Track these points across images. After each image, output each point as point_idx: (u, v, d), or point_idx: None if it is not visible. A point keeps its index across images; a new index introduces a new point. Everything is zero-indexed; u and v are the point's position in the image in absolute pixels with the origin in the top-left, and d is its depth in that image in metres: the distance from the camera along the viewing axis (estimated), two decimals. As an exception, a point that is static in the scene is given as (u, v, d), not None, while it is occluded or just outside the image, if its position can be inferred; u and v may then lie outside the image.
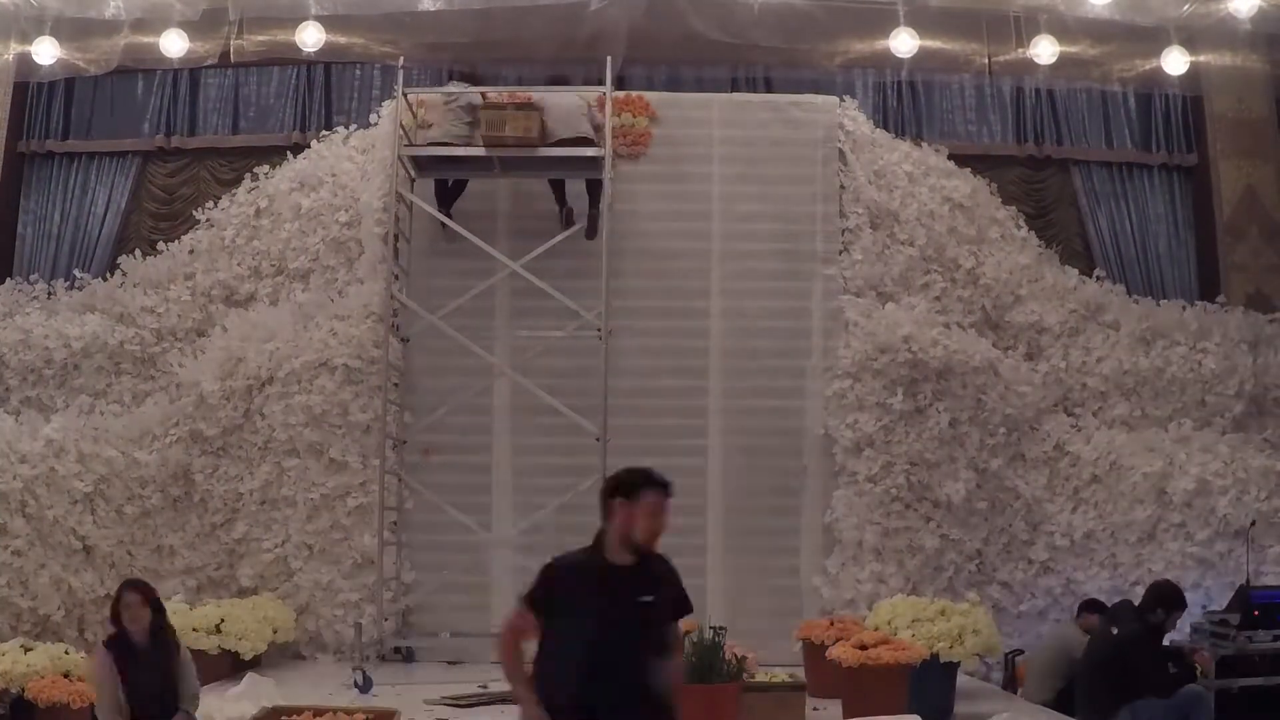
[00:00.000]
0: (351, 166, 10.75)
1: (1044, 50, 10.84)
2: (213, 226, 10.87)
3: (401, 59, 10.34)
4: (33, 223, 11.41)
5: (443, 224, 10.19)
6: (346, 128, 11.04)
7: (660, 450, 10.02)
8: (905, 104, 11.57)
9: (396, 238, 10.07)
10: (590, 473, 9.51)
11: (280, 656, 9.48)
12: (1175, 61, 10.91)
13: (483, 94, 10.11)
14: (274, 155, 11.10)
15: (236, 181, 11.06)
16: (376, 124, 10.84)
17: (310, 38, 10.68)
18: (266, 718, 6.64)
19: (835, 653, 7.34)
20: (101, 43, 10.83)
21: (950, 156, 11.06)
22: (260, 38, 10.89)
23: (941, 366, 9.92)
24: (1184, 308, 11.01)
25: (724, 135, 10.68)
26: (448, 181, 10.32)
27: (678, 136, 10.68)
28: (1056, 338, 10.76)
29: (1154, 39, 10.93)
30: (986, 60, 11.10)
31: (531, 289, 9.86)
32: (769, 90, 11.39)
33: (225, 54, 10.93)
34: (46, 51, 10.73)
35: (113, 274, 10.91)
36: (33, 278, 10.99)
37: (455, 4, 10.52)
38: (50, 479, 9.03)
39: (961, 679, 7.99)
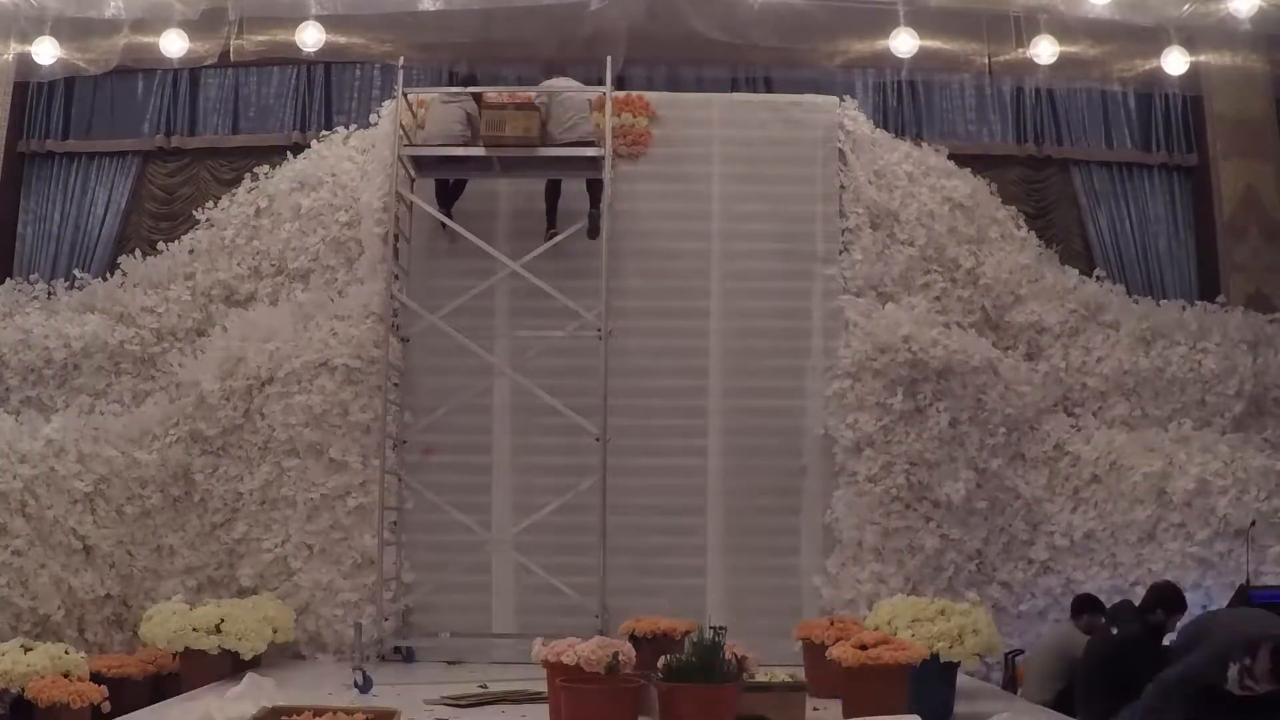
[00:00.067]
0: (351, 166, 10.75)
1: (1044, 50, 10.85)
2: (213, 226, 10.87)
3: (401, 59, 10.34)
4: (33, 223, 11.41)
5: (443, 224, 10.20)
6: (346, 128, 11.03)
7: (660, 450, 10.12)
8: (905, 104, 11.57)
9: (396, 238, 10.07)
10: (590, 473, 9.54)
11: (280, 656, 9.47)
12: (1175, 61, 10.92)
13: (476, 95, 10.10)
14: (274, 155, 11.09)
15: (236, 181, 11.06)
16: (376, 124, 10.84)
17: (310, 38, 10.69)
18: (266, 718, 6.62)
19: (835, 653, 7.32)
20: (101, 43, 10.84)
21: (950, 156, 11.06)
22: (260, 38, 10.90)
23: (941, 366, 9.93)
24: (1184, 308, 11.00)
25: (724, 135, 10.68)
26: (448, 181, 10.32)
27: (678, 136, 10.68)
28: (1056, 338, 10.76)
29: (1154, 39, 10.94)
30: (986, 60, 11.11)
31: (531, 289, 9.86)
32: (769, 90, 11.39)
33: (225, 54, 10.94)
34: (46, 51, 10.74)
35: (113, 274, 10.90)
36: (33, 278, 10.99)
37: (455, 4, 10.53)
38: (50, 479, 9.02)
39: (961, 679, 7.97)
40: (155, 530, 9.76)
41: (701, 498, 10.13)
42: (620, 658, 6.62)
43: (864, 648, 7.21)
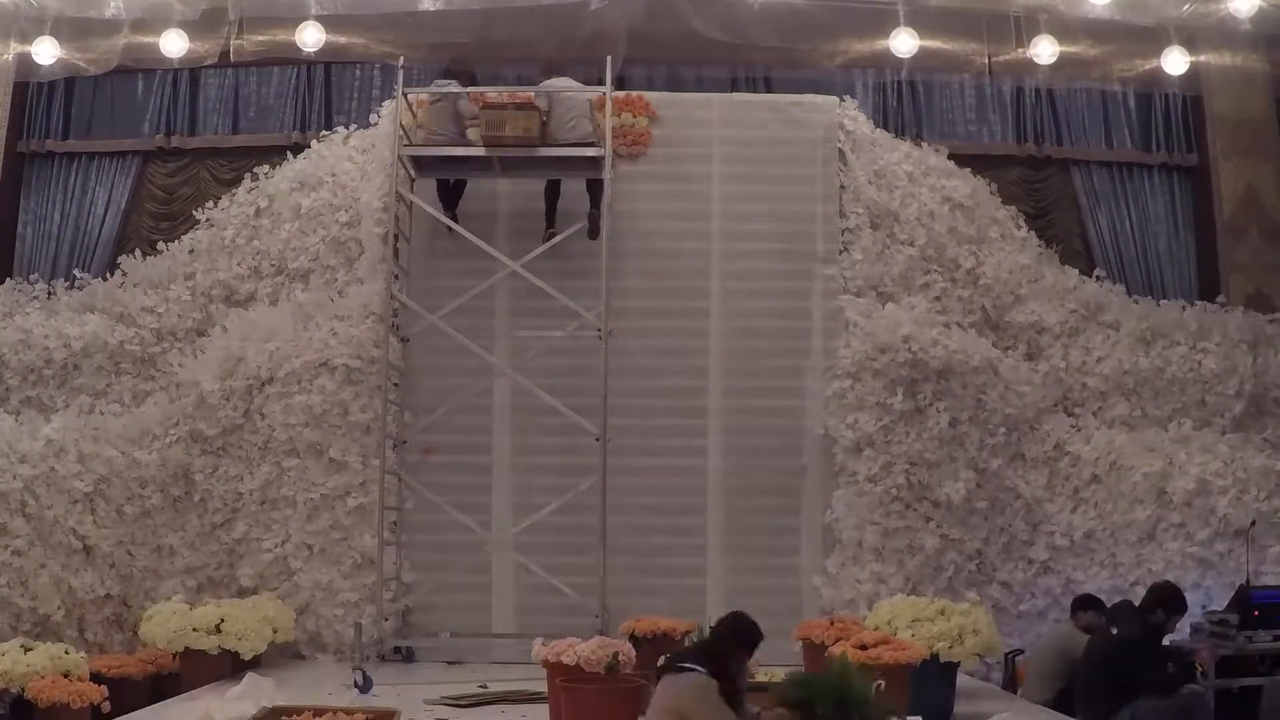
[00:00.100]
0: (351, 166, 10.75)
1: (1044, 50, 10.85)
2: (213, 226, 10.87)
3: (401, 59, 10.34)
4: (33, 223, 11.42)
5: (442, 223, 10.19)
6: (346, 128, 11.04)
7: (660, 450, 10.12)
8: (905, 104, 11.58)
9: (396, 238, 10.07)
10: (590, 473, 9.54)
11: (280, 656, 9.48)
12: (1175, 61, 10.92)
13: (469, 93, 10.10)
14: (274, 155, 11.10)
15: (236, 181, 11.07)
16: (376, 124, 10.84)
17: (310, 38, 10.69)
18: (266, 718, 6.63)
19: (835, 653, 7.33)
20: (101, 43, 10.84)
21: (950, 156, 11.06)
22: (260, 38, 10.90)
23: (941, 366, 9.92)
24: (1184, 308, 11.01)
25: (724, 135, 10.68)
26: (449, 182, 10.32)
27: (678, 136, 10.68)
28: (1056, 338, 10.76)
29: (1154, 39, 10.95)
30: (986, 60, 11.11)
31: (531, 289, 9.86)
32: (769, 90, 11.40)
33: (225, 54, 10.95)
34: (46, 51, 10.74)
35: (113, 274, 10.91)
36: (33, 278, 10.99)
37: (455, 4, 10.54)
38: (50, 479, 9.02)
39: (961, 679, 7.98)
40: (155, 530, 9.76)
41: (701, 498, 10.14)
42: (620, 658, 6.63)
43: (864, 648, 7.22)
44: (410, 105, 10.31)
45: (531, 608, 9.87)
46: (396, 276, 10.10)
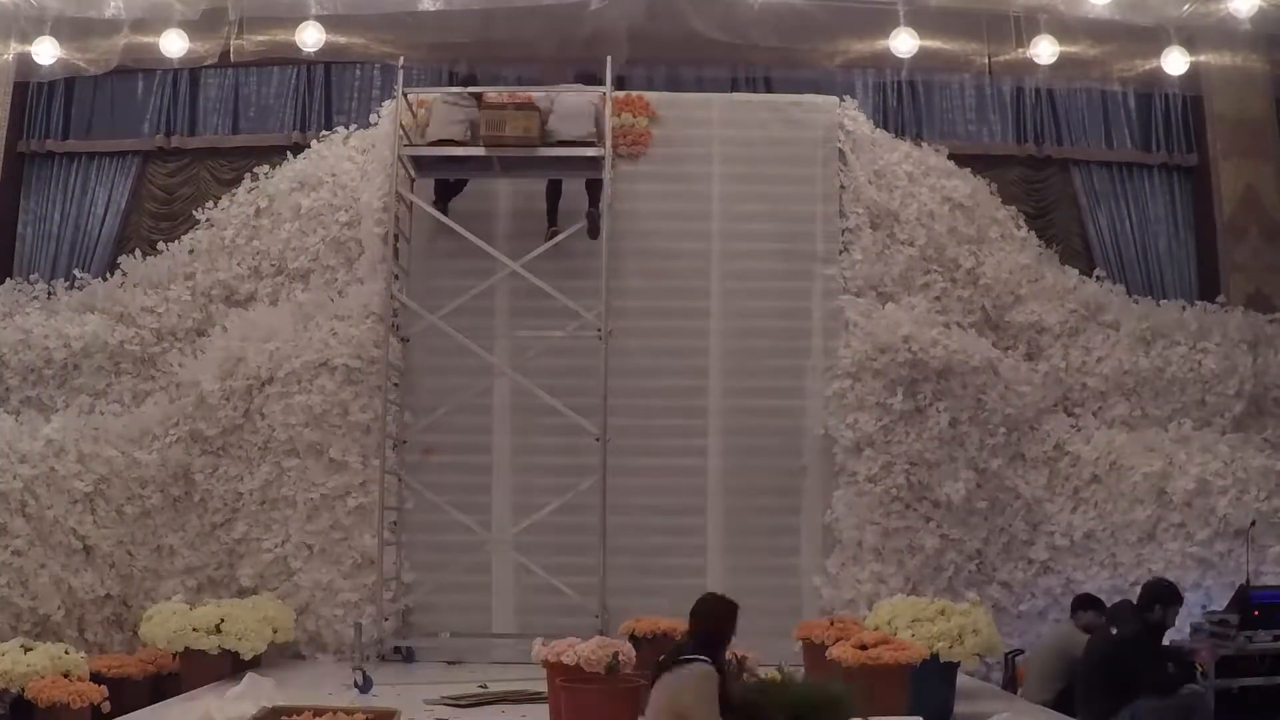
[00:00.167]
0: (351, 166, 10.75)
1: (1044, 50, 10.85)
2: (213, 226, 10.87)
3: (401, 59, 10.34)
4: (33, 223, 11.42)
5: (442, 223, 10.19)
6: (346, 128, 11.04)
7: (660, 450, 10.12)
8: (905, 104, 11.58)
9: (396, 238, 10.07)
10: (590, 473, 9.53)
11: (280, 656, 9.48)
12: (1175, 61, 10.92)
13: (476, 96, 10.10)
14: (274, 155, 11.10)
15: (236, 181, 11.07)
16: (376, 124, 10.84)
17: (310, 38, 10.69)
18: (266, 718, 6.62)
19: (835, 653, 7.33)
20: (101, 43, 10.84)
21: (950, 156, 11.06)
22: (260, 38, 10.90)
23: (941, 366, 9.92)
24: (1184, 308, 11.01)
25: (724, 135, 10.68)
26: (448, 179, 10.33)
27: (678, 136, 10.68)
28: (1056, 338, 10.76)
29: (1154, 39, 10.95)
30: (986, 60, 11.11)
31: (531, 289, 9.86)
32: (769, 90, 11.40)
33: (225, 54, 10.95)
34: (46, 51, 10.74)
35: (113, 274, 10.91)
36: (33, 278, 10.99)
37: (455, 4, 10.54)
38: (50, 479, 9.02)
39: (961, 679, 7.98)
40: (155, 530, 9.77)
41: (701, 498, 10.14)
42: (620, 658, 6.63)
43: (864, 648, 7.22)
44: (410, 105, 10.31)
45: (531, 608, 9.86)
46: (396, 276, 10.10)
